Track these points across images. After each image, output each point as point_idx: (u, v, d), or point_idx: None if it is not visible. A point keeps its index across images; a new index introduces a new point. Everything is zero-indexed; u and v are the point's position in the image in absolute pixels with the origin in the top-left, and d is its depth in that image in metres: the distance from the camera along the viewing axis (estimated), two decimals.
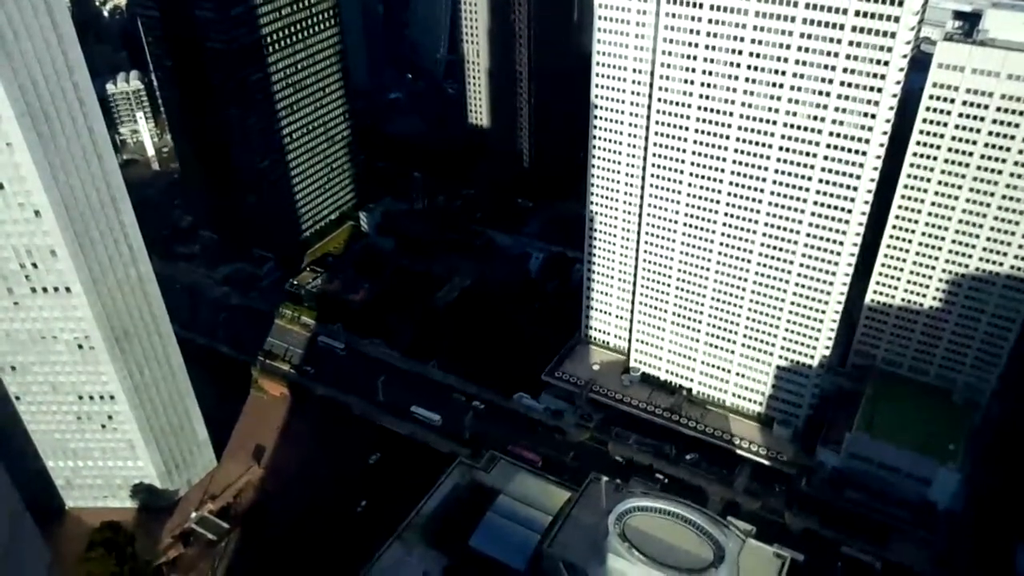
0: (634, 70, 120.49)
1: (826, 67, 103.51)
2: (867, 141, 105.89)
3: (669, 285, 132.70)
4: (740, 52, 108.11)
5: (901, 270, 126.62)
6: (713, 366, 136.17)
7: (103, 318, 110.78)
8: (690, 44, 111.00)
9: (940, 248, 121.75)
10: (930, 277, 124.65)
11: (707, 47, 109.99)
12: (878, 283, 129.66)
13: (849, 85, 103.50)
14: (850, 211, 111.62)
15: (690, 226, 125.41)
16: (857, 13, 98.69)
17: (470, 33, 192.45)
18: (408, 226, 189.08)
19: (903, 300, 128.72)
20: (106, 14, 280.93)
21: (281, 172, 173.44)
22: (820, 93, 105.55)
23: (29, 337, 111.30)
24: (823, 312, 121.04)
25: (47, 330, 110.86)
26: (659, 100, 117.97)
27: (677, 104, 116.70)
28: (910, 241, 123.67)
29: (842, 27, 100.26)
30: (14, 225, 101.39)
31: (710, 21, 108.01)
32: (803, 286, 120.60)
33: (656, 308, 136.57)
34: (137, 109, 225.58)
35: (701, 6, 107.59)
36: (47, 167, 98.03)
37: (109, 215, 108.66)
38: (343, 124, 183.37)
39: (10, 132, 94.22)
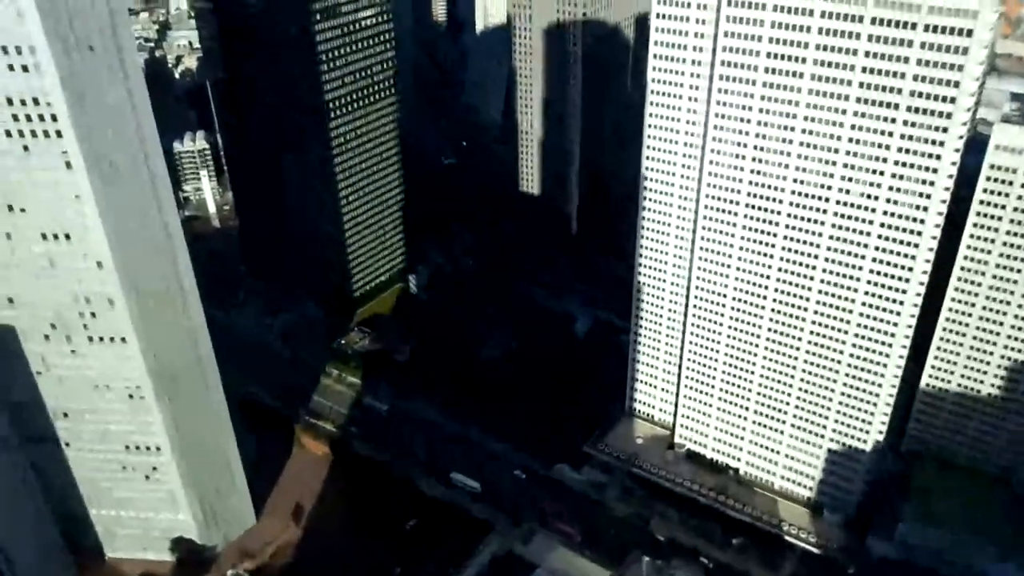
0: (685, 143, 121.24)
1: (880, 146, 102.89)
2: (922, 221, 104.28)
3: (716, 360, 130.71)
4: (792, 128, 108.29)
5: (957, 355, 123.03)
6: (761, 446, 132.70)
7: (155, 369, 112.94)
8: (742, 119, 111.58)
9: (999, 333, 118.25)
10: (988, 363, 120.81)
11: (759, 123, 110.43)
12: (933, 367, 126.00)
13: (904, 165, 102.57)
14: (905, 291, 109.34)
15: (739, 300, 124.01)
16: (912, 93, 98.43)
17: (524, 102, 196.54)
18: (455, 288, 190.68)
19: (959, 386, 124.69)
20: (178, 75, 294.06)
21: (335, 233, 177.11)
22: (874, 172, 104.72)
23: (83, 385, 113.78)
24: (877, 395, 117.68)
25: (100, 378, 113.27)
26: (710, 173, 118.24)
27: (728, 178, 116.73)
28: (967, 325, 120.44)
29: (896, 107, 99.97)
30: (77, 275, 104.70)
31: (763, 98, 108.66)
32: (856, 367, 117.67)
33: (703, 383, 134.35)
34: (202, 167, 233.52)
35: (754, 83, 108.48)
36: (112, 220, 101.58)
37: (167, 268, 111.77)
38: (397, 188, 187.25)
39: (80, 185, 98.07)
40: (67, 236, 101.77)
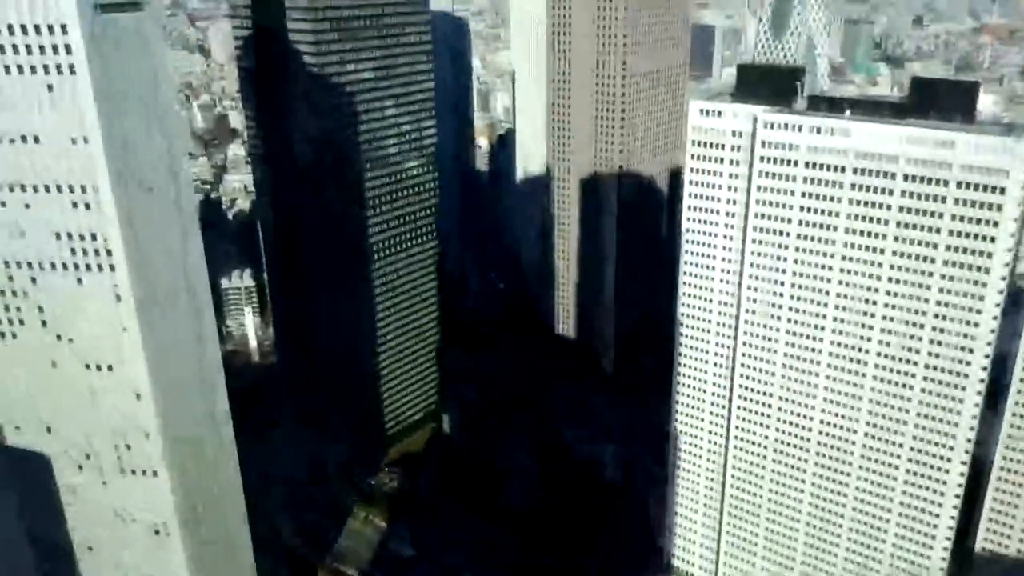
0: (721, 291, 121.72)
1: (918, 299, 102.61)
2: (966, 375, 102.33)
3: (759, 516, 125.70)
4: (829, 280, 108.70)
5: (1014, 517, 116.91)
6: None
7: (183, 504, 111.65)
8: (777, 269, 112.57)
9: None
10: None
11: (794, 273, 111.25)
12: (988, 530, 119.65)
13: (943, 318, 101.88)
14: (952, 447, 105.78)
15: (780, 452, 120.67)
16: (948, 248, 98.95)
17: (561, 246, 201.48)
18: (488, 429, 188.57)
19: (1019, 552, 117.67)
20: (231, 216, 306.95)
21: (371, 371, 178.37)
22: (913, 324, 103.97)
23: (109, 519, 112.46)
24: (928, 556, 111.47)
25: (127, 512, 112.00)
26: (746, 322, 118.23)
27: (765, 326, 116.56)
28: (1021, 485, 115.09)
29: (933, 260, 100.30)
30: (114, 406, 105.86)
31: (797, 249, 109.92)
32: (904, 527, 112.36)
33: (745, 540, 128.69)
34: (246, 304, 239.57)
35: (787, 234, 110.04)
36: (155, 353, 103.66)
37: (205, 402, 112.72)
38: (434, 328, 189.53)
39: (127, 317, 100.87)
40: (109, 367, 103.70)
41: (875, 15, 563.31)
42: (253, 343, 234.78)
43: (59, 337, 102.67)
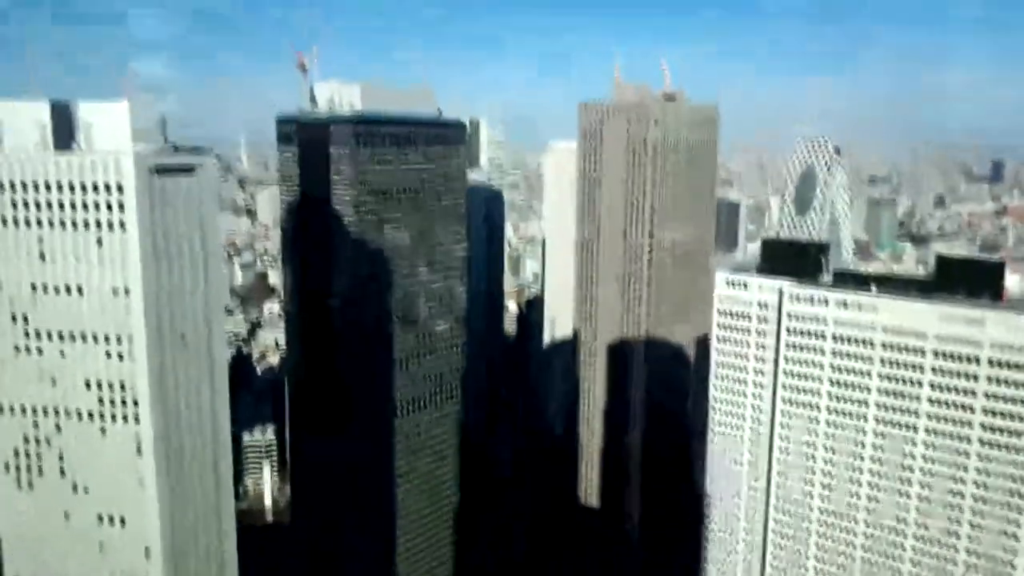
0: (750, 463, 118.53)
1: (955, 480, 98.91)
2: (1012, 565, 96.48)
3: None
4: (862, 456, 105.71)
5: None
6: None
7: None
8: (807, 443, 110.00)
9: None
10: None
11: (825, 447, 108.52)
12: None
13: (983, 501, 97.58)
14: None
15: None
16: (983, 427, 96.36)
17: (586, 413, 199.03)
18: None
19: None
20: (260, 371, 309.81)
21: (385, 533, 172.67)
22: (952, 507, 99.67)
23: None
24: None
25: None
26: (777, 497, 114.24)
27: (796, 503, 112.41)
28: None
29: (969, 440, 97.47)
30: (123, 562, 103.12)
31: (827, 423, 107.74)
32: None
33: None
34: (265, 460, 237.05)
35: (818, 407, 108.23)
36: (169, 509, 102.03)
37: (214, 564, 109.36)
38: (452, 490, 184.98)
39: (146, 471, 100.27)
40: (122, 520, 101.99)
41: (897, 195, 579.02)
42: (268, 501, 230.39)
43: (75, 487, 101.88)
